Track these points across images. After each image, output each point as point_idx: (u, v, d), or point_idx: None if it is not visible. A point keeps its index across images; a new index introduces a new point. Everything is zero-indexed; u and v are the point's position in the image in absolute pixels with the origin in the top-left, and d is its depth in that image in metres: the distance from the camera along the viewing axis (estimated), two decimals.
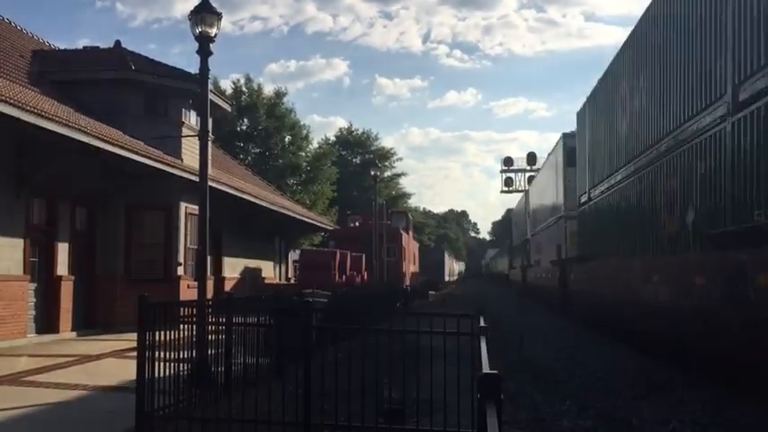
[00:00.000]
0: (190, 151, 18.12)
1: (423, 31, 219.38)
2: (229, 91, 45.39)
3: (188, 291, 17.80)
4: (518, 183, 56.52)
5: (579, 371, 12.11)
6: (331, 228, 38.04)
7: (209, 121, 11.42)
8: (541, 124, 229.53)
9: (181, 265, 18.75)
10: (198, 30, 10.08)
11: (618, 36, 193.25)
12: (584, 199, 22.11)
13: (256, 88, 47.10)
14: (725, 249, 10.01)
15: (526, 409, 9.02)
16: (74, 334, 15.93)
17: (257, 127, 46.00)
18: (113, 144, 14.66)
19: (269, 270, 29.91)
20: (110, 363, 11.90)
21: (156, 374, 6.82)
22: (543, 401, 9.55)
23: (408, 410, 7.00)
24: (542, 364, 13.13)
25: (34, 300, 15.02)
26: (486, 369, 4.43)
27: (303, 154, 49.08)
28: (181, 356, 7.29)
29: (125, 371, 9.36)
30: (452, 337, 6.62)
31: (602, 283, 17.96)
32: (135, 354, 6.91)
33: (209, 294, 14.05)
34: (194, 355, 7.93)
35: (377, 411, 7.03)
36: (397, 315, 11.05)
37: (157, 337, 6.87)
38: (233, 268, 24.67)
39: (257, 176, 32.72)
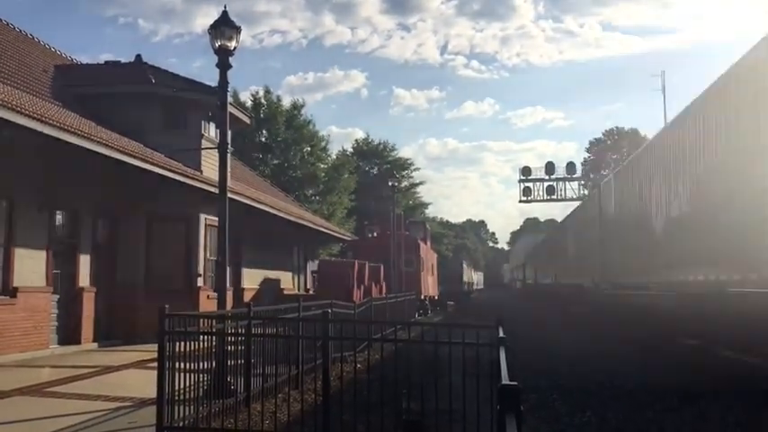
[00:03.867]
0: (209, 163, 18.26)
1: (440, 43, 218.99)
2: (249, 103, 45.73)
3: (208, 302, 17.89)
4: (536, 192, 56.12)
5: (609, 383, 11.97)
6: (349, 238, 38.05)
7: (229, 133, 11.52)
8: (559, 134, 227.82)
9: (200, 276, 18.84)
10: (217, 43, 10.20)
11: (635, 46, 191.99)
12: None
13: (276, 100, 47.43)
14: None
15: (547, 421, 8.95)
16: (95, 345, 16.06)
17: (276, 138, 46.26)
18: (134, 157, 14.82)
19: (288, 281, 29.97)
20: (130, 374, 11.98)
21: (177, 385, 6.85)
22: (566, 413, 9.47)
23: (427, 421, 6.98)
24: (572, 375, 13.01)
25: (56, 311, 15.17)
26: (505, 380, 4.41)
27: (322, 165, 49.24)
28: (201, 367, 7.33)
29: (145, 382, 9.42)
30: (472, 347, 6.60)
31: None
32: (155, 365, 6.96)
33: (229, 305, 14.12)
34: (214, 366, 7.97)
35: (396, 422, 7.02)
36: (415, 325, 11.01)
37: (177, 348, 6.91)
38: (252, 279, 24.75)
39: (276, 187, 32.88)
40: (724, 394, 9.99)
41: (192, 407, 7.06)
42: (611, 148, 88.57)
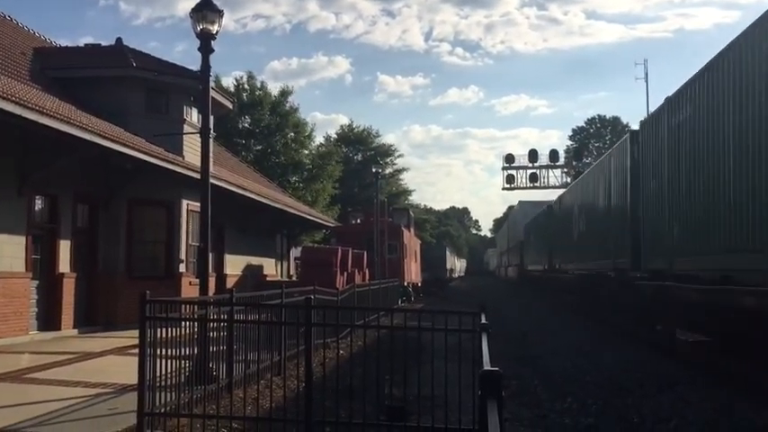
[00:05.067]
0: (191, 148, 18.11)
1: (425, 29, 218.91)
2: (231, 88, 45.38)
3: (190, 288, 17.80)
4: (519, 180, 56.40)
5: (591, 369, 12.09)
6: (332, 225, 38.02)
7: (211, 118, 11.41)
8: (542, 122, 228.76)
9: (182, 262, 18.74)
10: (199, 27, 10.08)
11: (619, 34, 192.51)
12: None
13: (259, 86, 47.12)
14: None
15: (529, 406, 9.02)
16: (75, 331, 15.94)
17: (259, 124, 45.98)
18: (115, 141, 14.65)
19: (271, 267, 29.91)
20: (111, 360, 11.90)
21: (158, 371, 6.81)
22: (547, 399, 9.56)
23: (409, 407, 7.00)
24: (552, 361, 13.13)
25: (36, 297, 15.02)
26: (487, 366, 4.42)
27: (306, 152, 49.05)
28: (182, 354, 7.29)
29: (126, 368, 9.37)
30: (454, 334, 6.61)
31: None
32: (136, 351, 6.91)
33: (211, 291, 14.07)
34: (196, 352, 7.93)
35: (378, 408, 7.03)
36: (398, 312, 11.04)
37: (159, 335, 6.87)
38: (235, 265, 24.67)
39: (259, 173, 32.71)
40: None
41: (173, 393, 7.03)
42: (593, 136, 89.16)
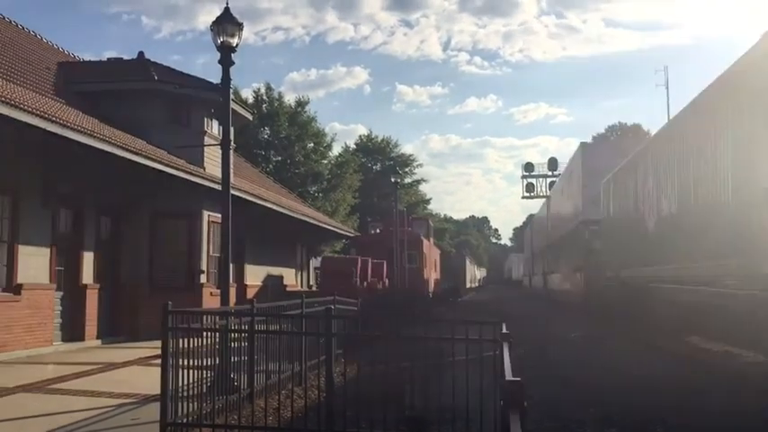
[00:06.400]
0: (212, 160, 18.26)
1: (443, 39, 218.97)
2: (251, 100, 45.74)
3: (211, 298, 17.90)
4: (539, 188, 56.13)
5: (611, 379, 11.95)
6: (352, 235, 38.07)
7: (231, 129, 11.51)
8: (562, 130, 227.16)
9: (204, 272, 18.85)
10: (220, 40, 10.19)
11: (638, 42, 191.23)
12: None
13: (277, 96, 47.47)
14: None
15: (551, 417, 8.94)
16: (99, 342, 16.09)
17: (279, 135, 46.25)
18: (137, 153, 14.82)
19: (291, 277, 29.99)
20: (134, 370, 12.00)
21: (180, 382, 6.86)
22: (569, 409, 9.46)
23: (430, 417, 6.97)
24: (573, 371, 13.00)
25: (60, 308, 15.19)
26: (509, 376, 4.40)
27: (325, 162, 49.24)
28: (204, 364, 7.34)
29: (149, 378, 9.44)
30: (475, 345, 6.58)
31: None
32: (159, 361, 6.96)
33: (232, 302, 14.14)
34: (217, 362, 7.97)
35: (399, 418, 7.02)
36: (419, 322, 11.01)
37: (181, 345, 6.91)
38: (255, 276, 24.77)
39: (278, 184, 32.89)
40: None
41: (195, 403, 7.07)
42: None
